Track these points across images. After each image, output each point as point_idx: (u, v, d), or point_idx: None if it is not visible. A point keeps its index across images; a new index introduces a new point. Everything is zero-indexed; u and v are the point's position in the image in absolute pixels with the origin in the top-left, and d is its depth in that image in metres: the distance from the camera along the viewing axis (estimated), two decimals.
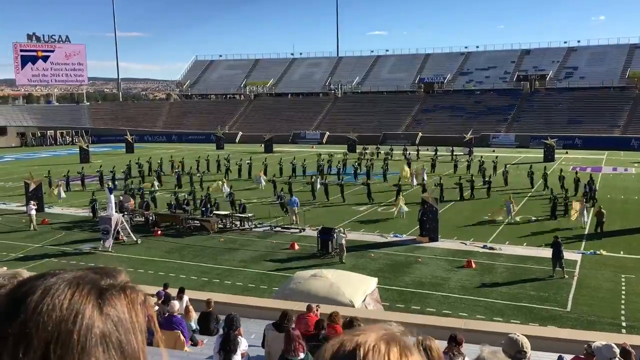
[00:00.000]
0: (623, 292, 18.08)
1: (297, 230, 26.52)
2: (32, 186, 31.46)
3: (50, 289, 0.85)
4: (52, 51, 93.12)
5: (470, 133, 60.48)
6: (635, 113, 70.18)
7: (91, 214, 29.76)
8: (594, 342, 7.70)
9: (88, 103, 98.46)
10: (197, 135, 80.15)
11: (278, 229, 27.07)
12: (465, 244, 24.01)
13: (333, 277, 14.80)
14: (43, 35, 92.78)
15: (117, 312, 0.88)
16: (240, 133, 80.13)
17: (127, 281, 0.95)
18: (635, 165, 48.99)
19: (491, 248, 23.28)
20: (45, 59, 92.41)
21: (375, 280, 15.98)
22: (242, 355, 8.26)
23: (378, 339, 0.93)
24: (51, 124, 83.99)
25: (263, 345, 9.79)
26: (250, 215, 28.04)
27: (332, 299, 13.58)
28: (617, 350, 7.12)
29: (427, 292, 18.44)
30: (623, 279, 19.27)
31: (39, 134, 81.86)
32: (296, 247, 23.74)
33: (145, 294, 0.97)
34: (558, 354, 8.78)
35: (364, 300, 14.43)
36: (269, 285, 19.04)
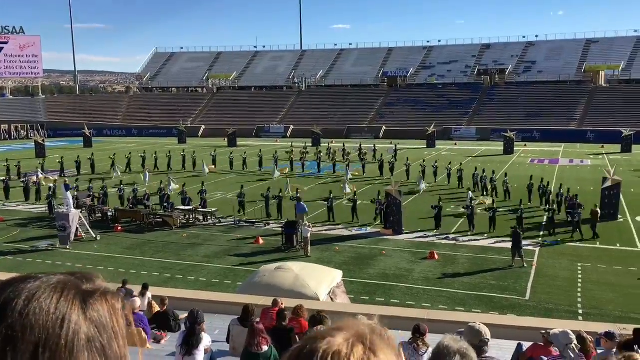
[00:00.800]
0: (579, 281, 18.62)
1: (262, 225, 26.39)
2: None
3: (36, 293, 0.85)
4: (6, 43, 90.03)
5: (432, 126, 61.22)
6: (591, 106, 72.26)
7: (48, 211, 28.97)
8: (552, 329, 7.89)
9: (44, 96, 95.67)
10: (158, 129, 78.86)
11: (242, 223, 26.89)
12: (428, 236, 24.31)
13: (298, 269, 14.77)
14: None
15: (99, 317, 0.89)
16: (203, 127, 79.20)
17: (106, 286, 0.97)
18: (591, 157, 50.49)
19: (454, 240, 23.65)
20: None
21: (340, 272, 16.02)
22: (206, 351, 8.16)
23: (343, 341, 0.90)
24: (5, 118, 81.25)
25: (228, 341, 9.71)
26: (214, 210, 27.76)
27: (297, 291, 13.55)
28: (574, 337, 7.30)
29: (391, 283, 18.62)
30: (579, 268, 19.85)
31: None
32: (261, 241, 23.63)
33: (123, 299, 0.99)
34: (517, 342, 8.96)
35: (330, 292, 14.45)
36: (234, 280, 18.90)
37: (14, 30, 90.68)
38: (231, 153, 45.12)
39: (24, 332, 0.81)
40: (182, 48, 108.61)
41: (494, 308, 16.33)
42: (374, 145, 49.97)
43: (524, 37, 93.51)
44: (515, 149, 54.15)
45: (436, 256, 21.17)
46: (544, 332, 8.10)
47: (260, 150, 46.08)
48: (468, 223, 25.01)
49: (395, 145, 49.45)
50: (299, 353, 0.90)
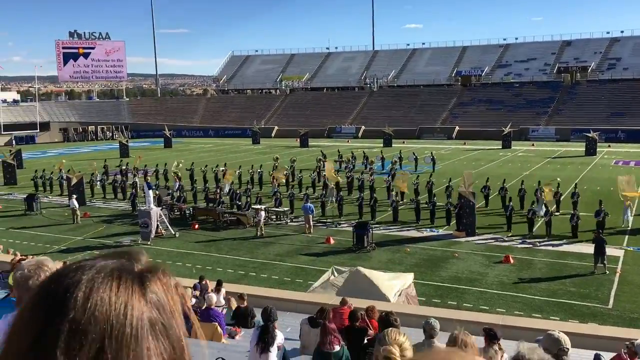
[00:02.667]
0: None
1: (333, 225, 26.56)
2: (74, 180, 32.34)
3: (94, 282, 0.85)
4: (93, 48, 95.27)
5: (509, 127, 59.40)
6: None
7: (131, 208, 30.44)
8: (636, 340, 7.51)
9: (127, 99, 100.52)
10: (233, 130, 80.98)
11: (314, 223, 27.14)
12: (503, 239, 23.64)
13: (368, 271, 14.81)
14: (84, 33, 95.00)
15: (158, 298, 0.89)
16: (276, 128, 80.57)
17: (156, 264, 0.95)
18: None
19: (532, 243, 22.88)
20: (86, 55, 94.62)
21: (411, 276, 15.90)
22: (279, 348, 8.35)
23: None
24: (92, 120, 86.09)
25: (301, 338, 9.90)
26: (286, 209, 28.22)
27: (368, 292, 13.58)
28: None
29: (464, 287, 18.25)
30: None
31: (81, 129, 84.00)
32: (331, 241, 23.79)
33: (174, 275, 0.97)
34: (595, 352, 8.58)
35: (400, 294, 14.38)
36: (305, 279, 19.14)
37: (100, 36, 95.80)
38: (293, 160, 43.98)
39: (88, 325, 0.81)
40: (256, 51, 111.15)
41: (573, 316, 15.67)
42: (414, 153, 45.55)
43: (607, 32, 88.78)
44: (597, 150, 51.58)
45: (511, 260, 20.55)
46: (628, 342, 7.73)
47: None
48: (546, 227, 24.09)
49: (432, 153, 44.36)
50: None
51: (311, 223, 25.57)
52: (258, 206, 26.97)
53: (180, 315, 0.92)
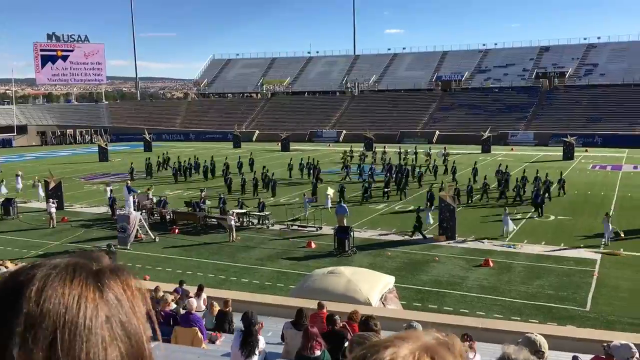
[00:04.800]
0: None
1: (314, 229, 26.56)
2: (52, 184, 31.91)
3: (48, 278, 0.86)
4: (72, 50, 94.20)
5: (488, 131, 60.00)
6: None
7: (110, 212, 30.09)
8: (612, 342, 7.61)
9: (107, 102, 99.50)
10: (214, 134, 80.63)
11: (295, 227, 27.14)
12: (483, 243, 23.85)
13: (350, 273, 14.78)
14: (63, 35, 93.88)
15: (115, 294, 0.89)
16: (257, 132, 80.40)
17: (117, 265, 0.96)
18: None
19: (510, 246, 23.11)
20: (64, 58, 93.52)
21: (392, 278, 15.94)
22: (259, 353, 8.30)
23: (409, 353, 0.84)
24: (70, 123, 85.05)
25: (283, 341, 9.85)
26: (267, 213, 28.15)
27: (349, 296, 13.57)
28: (636, 350, 7.03)
29: (444, 290, 18.36)
30: None
31: (59, 133, 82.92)
32: (313, 245, 23.78)
33: (135, 275, 0.98)
34: (573, 354, 8.68)
35: (382, 297, 14.40)
36: (286, 283, 19.09)
37: (79, 39, 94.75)
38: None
39: (42, 318, 0.82)
40: (237, 54, 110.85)
41: (552, 318, 15.85)
42: (429, 148, 49.48)
43: (585, 38, 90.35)
44: (575, 154, 52.36)
45: (491, 263, 20.73)
46: (604, 344, 7.83)
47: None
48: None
49: (445, 148, 48.50)
50: (364, 355, 0.86)
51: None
52: (239, 210, 27.00)
53: (141, 314, 0.92)
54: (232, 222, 25.13)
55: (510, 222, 25.02)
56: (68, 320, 0.83)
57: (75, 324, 0.83)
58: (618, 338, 8.71)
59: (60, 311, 0.83)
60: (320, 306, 10.48)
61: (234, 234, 25.13)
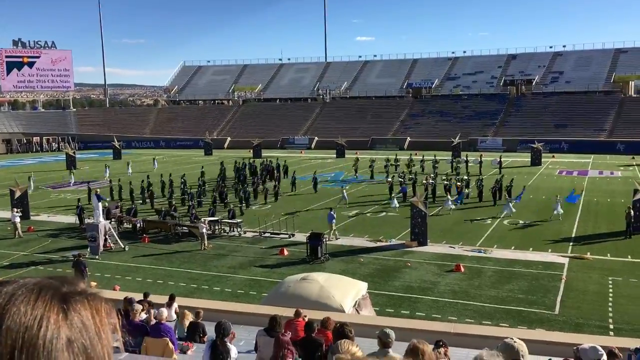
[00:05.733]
0: (610, 295, 18.22)
1: (287, 236, 26.47)
2: (18, 193, 31.16)
3: (13, 296, 0.84)
4: (38, 57, 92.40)
5: (458, 137, 60.79)
6: (621, 117, 70.96)
7: (78, 221, 29.51)
8: (581, 344, 7.73)
9: (74, 109, 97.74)
10: (185, 141, 79.89)
11: (267, 234, 27.01)
12: (454, 248, 24.09)
13: (323, 280, 14.74)
14: (29, 41, 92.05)
15: (81, 318, 0.87)
16: (229, 139, 79.96)
17: (89, 289, 0.94)
18: (621, 168, 49.50)
19: (480, 251, 23.39)
20: (31, 65, 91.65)
21: (365, 284, 15.95)
22: None
23: None
24: (37, 130, 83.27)
25: (256, 351, 9.75)
26: (239, 221, 27.96)
27: (323, 303, 13.53)
28: (603, 352, 7.15)
29: (416, 296, 18.47)
30: (610, 282, 19.42)
31: (25, 141, 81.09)
32: (285, 252, 23.68)
33: (108, 302, 0.96)
34: (548, 358, 8.80)
35: (355, 304, 14.40)
36: (259, 291, 18.96)
37: (45, 45, 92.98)
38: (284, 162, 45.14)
39: (1, 336, 0.80)
40: (208, 61, 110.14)
41: (522, 322, 16.07)
42: (480, 157, 49.16)
43: (551, 47, 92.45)
44: (542, 160, 53.39)
45: (462, 269, 20.94)
46: (575, 348, 7.94)
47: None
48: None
49: (500, 157, 49.20)
50: None
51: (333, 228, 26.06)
52: (210, 218, 26.84)
53: (107, 340, 0.90)
54: (204, 230, 24.92)
55: (510, 205, 29.27)
56: (27, 340, 0.81)
57: (34, 345, 0.81)
58: (586, 341, 8.86)
59: (21, 330, 0.81)
60: (297, 314, 10.42)
61: (206, 242, 24.93)
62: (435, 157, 48.40)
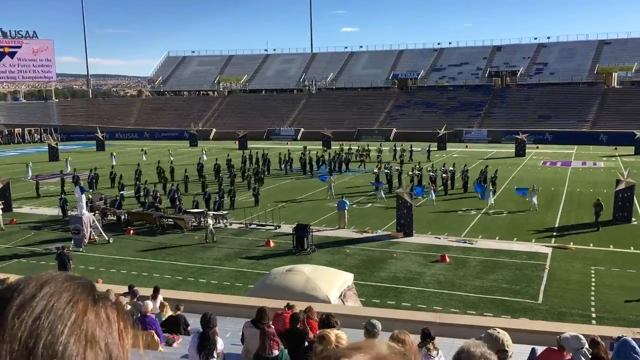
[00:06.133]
0: (593, 284, 18.46)
1: (272, 227, 26.44)
2: None
3: (54, 276, 0.90)
4: (19, 47, 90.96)
5: (443, 128, 61.02)
6: (604, 108, 71.69)
7: (61, 214, 29.21)
8: (564, 333, 7.83)
9: (57, 100, 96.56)
10: (170, 132, 79.32)
11: (253, 226, 26.96)
12: (439, 239, 24.24)
13: (309, 272, 14.77)
14: (10, 31, 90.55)
15: (107, 314, 0.91)
16: (214, 130, 79.54)
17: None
18: (604, 159, 50.07)
19: (466, 242, 23.56)
20: (12, 55, 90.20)
21: (351, 275, 16.01)
22: (218, 354, 8.19)
23: None
24: (19, 122, 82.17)
25: (243, 342, 9.74)
26: (225, 212, 27.86)
27: (309, 294, 13.56)
28: (585, 341, 7.25)
29: (402, 287, 18.56)
30: (593, 271, 19.68)
31: (6, 132, 79.97)
32: (271, 244, 23.67)
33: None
34: (531, 346, 8.90)
35: (341, 295, 14.45)
36: (245, 282, 18.94)
37: (27, 35, 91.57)
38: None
39: (33, 300, 0.85)
40: (193, 52, 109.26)
41: (506, 311, 16.24)
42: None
43: (535, 38, 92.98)
44: (527, 151, 53.82)
45: (447, 259, 21.08)
46: (558, 337, 8.04)
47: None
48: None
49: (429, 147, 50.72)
50: None
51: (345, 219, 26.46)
52: (209, 214, 26.30)
53: (128, 344, 0.93)
54: (211, 226, 24.59)
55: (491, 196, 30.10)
56: (57, 305, 0.86)
57: (62, 311, 0.86)
58: (569, 329, 8.97)
59: (54, 297, 0.86)
60: (289, 307, 10.40)
61: (214, 234, 24.60)
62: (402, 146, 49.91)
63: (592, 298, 17.25)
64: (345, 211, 26.57)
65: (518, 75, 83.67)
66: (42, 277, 0.90)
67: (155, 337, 10.20)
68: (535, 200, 29.24)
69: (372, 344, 0.89)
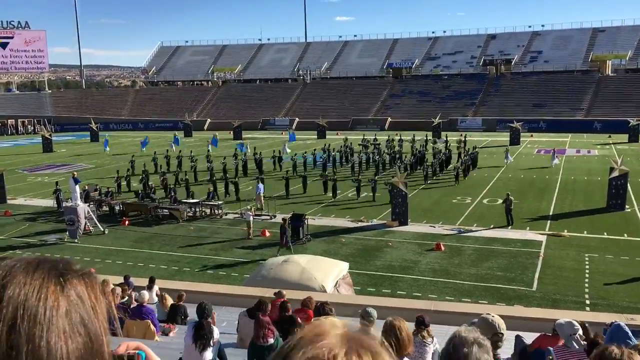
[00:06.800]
0: (587, 271, 18.58)
1: (268, 217, 26.45)
2: None
3: (13, 268, 0.88)
4: (12, 38, 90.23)
5: (438, 117, 61.01)
6: (598, 96, 71.80)
7: (55, 205, 29.13)
8: (557, 319, 7.88)
9: (50, 91, 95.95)
10: (164, 122, 79.02)
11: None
12: (434, 227, 24.31)
13: (304, 262, 14.83)
14: (2, 22, 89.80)
15: (77, 292, 0.91)
16: (209, 120, 79.28)
17: (84, 269, 0.97)
18: (598, 147, 50.22)
19: (460, 231, 23.65)
20: (4, 45, 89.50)
21: (346, 264, 16.07)
22: (214, 343, 8.21)
23: (344, 348, 0.86)
24: (12, 113, 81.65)
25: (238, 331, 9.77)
26: (220, 203, 27.85)
27: (304, 284, 13.61)
28: (579, 327, 7.30)
29: (397, 275, 18.64)
30: (587, 259, 19.80)
31: (0, 124, 79.50)
32: (267, 234, 23.68)
33: (102, 281, 0.98)
34: (515, 333, 8.94)
35: (336, 284, 14.50)
36: (240, 272, 18.98)
37: (19, 25, 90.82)
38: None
39: (1, 304, 0.83)
40: (187, 41, 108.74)
41: (500, 299, 16.33)
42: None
43: (529, 26, 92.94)
44: (521, 139, 53.90)
45: (442, 247, 21.17)
46: (555, 323, 8.08)
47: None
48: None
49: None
50: (295, 352, 0.87)
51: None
52: (248, 208, 25.20)
53: (102, 314, 0.93)
54: (251, 218, 23.52)
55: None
56: (28, 308, 0.84)
57: (35, 312, 0.84)
58: (563, 316, 9.03)
59: (21, 299, 0.85)
60: (280, 294, 10.45)
61: (252, 230, 23.48)
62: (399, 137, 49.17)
63: (586, 285, 17.37)
64: (261, 194, 28.04)
65: (512, 63, 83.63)
66: (8, 262, 0.88)
67: (152, 326, 10.23)
68: (511, 158, 32.85)
69: (334, 324, 0.91)
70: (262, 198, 27.97)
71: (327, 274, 14.46)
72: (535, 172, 35.81)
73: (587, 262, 19.43)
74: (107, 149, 47.93)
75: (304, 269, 14.33)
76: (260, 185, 28.77)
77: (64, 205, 26.28)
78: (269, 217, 26.44)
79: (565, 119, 65.89)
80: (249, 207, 25.10)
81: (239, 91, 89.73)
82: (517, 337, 8.62)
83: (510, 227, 23.95)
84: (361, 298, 14.45)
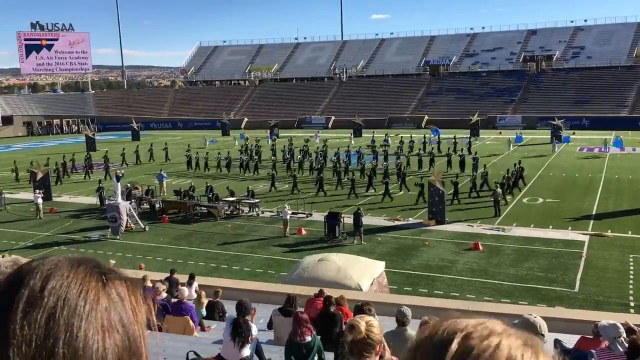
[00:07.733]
0: (631, 272, 18.05)
1: (304, 216, 26.57)
2: (39, 175, 31.63)
3: (58, 263, 0.89)
4: (56, 39, 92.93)
5: (476, 115, 60.09)
6: None
7: (98, 202, 29.92)
8: (600, 321, 7.71)
9: (93, 91, 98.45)
10: (202, 122, 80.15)
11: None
12: (472, 227, 24.00)
13: (340, 261, 14.85)
14: (47, 24, 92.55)
15: (118, 292, 0.91)
16: (246, 119, 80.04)
17: (126, 274, 0.98)
18: None
19: (499, 230, 23.28)
20: (49, 47, 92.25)
21: (382, 264, 16.02)
22: (251, 340, 8.31)
23: (518, 344, 0.85)
24: (57, 113, 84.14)
25: (269, 328, 9.88)
26: (257, 201, 28.12)
27: (340, 283, 13.64)
28: (623, 330, 7.13)
29: (434, 274, 18.49)
30: (631, 259, 19.24)
31: (45, 123, 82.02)
32: (303, 232, 23.80)
33: (144, 286, 1.01)
34: (555, 337, 8.77)
35: (372, 283, 14.48)
36: (277, 270, 19.13)
37: (63, 27, 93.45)
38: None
39: (43, 293, 0.85)
40: (224, 41, 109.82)
41: (541, 300, 16.02)
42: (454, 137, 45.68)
43: (572, 21, 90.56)
44: (563, 137, 52.54)
45: (480, 247, 20.88)
46: (595, 324, 7.92)
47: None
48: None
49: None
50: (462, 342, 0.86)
51: None
52: (285, 206, 24.92)
53: (142, 319, 0.93)
54: (288, 217, 23.72)
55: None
56: (69, 299, 0.86)
57: (75, 304, 0.86)
58: (606, 318, 8.82)
59: (63, 290, 0.86)
60: (321, 293, 10.50)
61: (288, 228, 23.73)
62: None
63: (631, 286, 16.88)
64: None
65: (554, 59, 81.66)
66: (45, 266, 0.89)
67: (191, 322, 10.43)
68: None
69: (495, 324, 0.91)
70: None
71: (363, 273, 14.46)
72: (577, 171, 34.93)
73: (631, 263, 18.88)
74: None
75: (340, 267, 14.36)
76: None
77: (106, 202, 26.98)
78: (305, 216, 26.55)
79: (609, 116, 64.00)
80: (285, 206, 25.28)
81: (275, 90, 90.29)
82: (556, 341, 8.47)
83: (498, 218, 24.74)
84: (398, 297, 14.38)
